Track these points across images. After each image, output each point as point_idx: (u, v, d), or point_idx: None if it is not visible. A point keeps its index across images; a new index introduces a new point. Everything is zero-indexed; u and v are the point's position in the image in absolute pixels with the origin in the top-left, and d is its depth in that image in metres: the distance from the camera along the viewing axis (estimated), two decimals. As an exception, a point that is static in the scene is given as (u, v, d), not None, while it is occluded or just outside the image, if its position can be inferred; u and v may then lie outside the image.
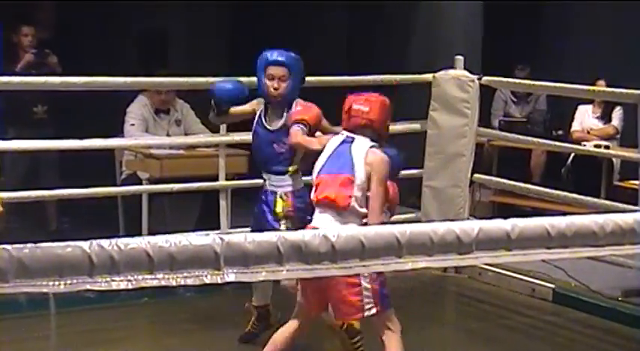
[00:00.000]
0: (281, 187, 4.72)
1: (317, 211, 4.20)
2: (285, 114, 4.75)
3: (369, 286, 4.09)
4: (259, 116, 4.84)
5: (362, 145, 4.20)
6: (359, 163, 4.14)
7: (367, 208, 4.14)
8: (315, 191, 4.21)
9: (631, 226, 2.30)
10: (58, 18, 7.66)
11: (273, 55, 4.79)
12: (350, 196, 4.10)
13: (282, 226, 4.66)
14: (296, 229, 2.88)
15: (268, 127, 4.80)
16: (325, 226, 4.01)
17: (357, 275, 3.98)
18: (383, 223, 4.11)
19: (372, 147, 4.21)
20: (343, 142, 4.25)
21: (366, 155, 4.16)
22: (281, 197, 4.70)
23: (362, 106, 4.26)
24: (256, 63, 4.81)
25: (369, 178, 4.14)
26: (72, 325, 5.15)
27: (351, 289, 4.06)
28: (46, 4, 7.60)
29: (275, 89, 4.70)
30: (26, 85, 5.80)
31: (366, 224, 4.09)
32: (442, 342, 5.46)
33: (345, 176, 4.13)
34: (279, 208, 4.69)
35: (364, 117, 4.25)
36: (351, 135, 4.25)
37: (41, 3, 7.58)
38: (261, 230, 4.25)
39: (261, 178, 4.92)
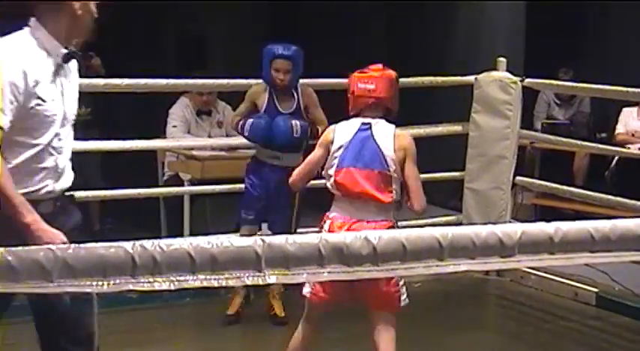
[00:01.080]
0: (297, 164, 4.71)
1: (347, 201, 4.04)
2: (295, 98, 5.35)
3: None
4: (268, 102, 5.35)
5: (384, 130, 4.02)
6: (390, 155, 3.98)
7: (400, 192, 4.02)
8: (344, 182, 4.03)
9: (676, 230, 2.27)
10: (101, 21, 7.72)
11: (279, 49, 5.29)
12: (391, 192, 3.98)
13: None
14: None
15: (281, 110, 5.33)
16: (367, 219, 3.97)
17: None
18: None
19: (395, 129, 4.05)
20: (360, 129, 4.04)
21: (394, 142, 3.99)
22: None
23: (367, 84, 4.06)
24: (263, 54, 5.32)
25: (402, 162, 3.99)
26: (114, 325, 5.18)
27: (390, 280, 3.98)
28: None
29: (281, 80, 5.25)
30: (70, 87, 5.85)
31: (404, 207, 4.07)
32: (484, 346, 5.43)
33: (379, 171, 3.97)
34: None
35: (372, 95, 4.05)
36: (365, 120, 4.06)
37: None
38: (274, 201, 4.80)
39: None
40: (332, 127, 4.18)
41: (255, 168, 5.45)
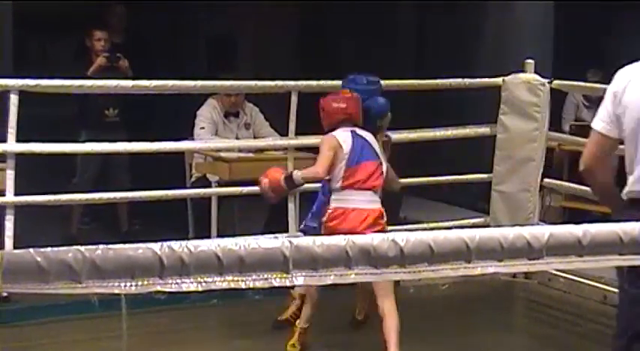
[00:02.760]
0: None
1: (351, 192, 4.84)
2: None
3: None
4: None
5: (368, 136, 4.94)
6: (378, 152, 4.93)
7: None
8: (361, 175, 4.83)
9: None
10: (129, 22, 7.78)
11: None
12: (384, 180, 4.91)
13: None
14: None
15: None
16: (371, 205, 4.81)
17: None
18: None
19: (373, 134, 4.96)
20: (354, 136, 4.91)
21: (376, 142, 4.94)
22: None
23: (340, 104, 4.98)
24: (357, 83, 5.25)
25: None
26: (142, 326, 5.21)
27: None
28: (118, 9, 7.72)
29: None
30: (98, 89, 5.90)
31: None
32: (512, 348, 5.40)
33: (378, 163, 4.91)
34: None
35: (345, 112, 4.95)
36: (351, 129, 4.93)
37: (114, 8, 7.69)
38: None
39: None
40: (331, 134, 4.95)
41: None
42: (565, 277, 6.15)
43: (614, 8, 9.63)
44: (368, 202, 4.83)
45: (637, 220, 2.35)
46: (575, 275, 6.14)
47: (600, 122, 3.63)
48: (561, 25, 8.35)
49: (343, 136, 4.91)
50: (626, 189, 3.61)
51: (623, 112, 3.53)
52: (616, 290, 5.99)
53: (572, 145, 7.26)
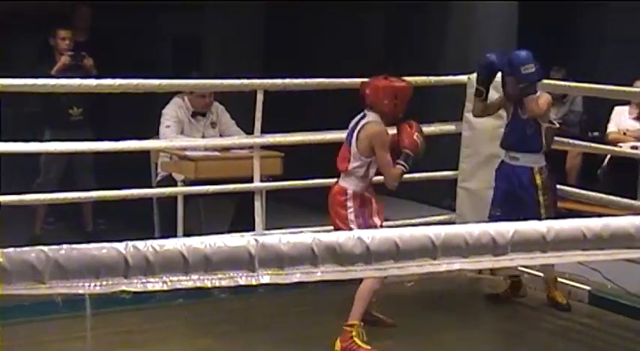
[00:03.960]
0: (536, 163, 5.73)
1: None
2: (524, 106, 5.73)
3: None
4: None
5: (366, 120, 5.13)
6: (354, 136, 5.12)
7: (368, 170, 5.12)
8: (339, 158, 5.21)
9: (668, 228, 2.28)
10: (94, 21, 7.73)
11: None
12: (347, 160, 5.11)
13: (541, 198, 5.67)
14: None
15: (522, 116, 5.77)
16: (339, 181, 5.19)
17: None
18: (403, 173, 5.15)
19: (371, 122, 5.09)
20: (360, 117, 5.18)
21: (362, 130, 5.09)
22: (538, 172, 5.69)
23: (365, 89, 5.19)
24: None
25: (369, 146, 5.06)
26: (107, 327, 5.18)
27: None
28: (82, 8, 7.67)
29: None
30: (62, 88, 5.85)
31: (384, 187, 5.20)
32: (478, 344, 5.43)
33: (347, 147, 5.15)
34: (538, 181, 5.67)
35: (368, 99, 5.16)
36: (367, 111, 5.16)
37: (78, 6, 7.64)
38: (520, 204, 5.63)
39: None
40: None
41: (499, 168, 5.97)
42: (530, 273, 6.19)
43: (576, 7, 9.73)
44: (340, 178, 5.21)
45: None
46: (540, 271, 6.19)
47: None
48: (525, 23, 8.40)
49: (355, 118, 5.22)
50: None
51: None
52: (579, 285, 6.09)
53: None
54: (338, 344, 4.98)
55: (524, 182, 5.68)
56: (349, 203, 5.11)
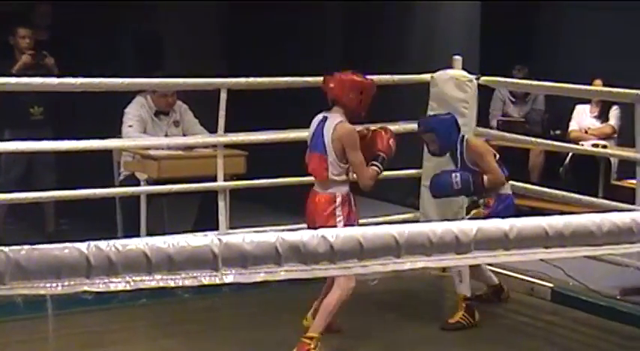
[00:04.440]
0: None
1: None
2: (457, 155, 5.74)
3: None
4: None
5: (331, 123, 5.00)
6: (328, 143, 4.98)
7: (348, 174, 5.03)
8: (308, 165, 5.12)
9: (628, 226, 2.30)
10: (54, 20, 7.65)
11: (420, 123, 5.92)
12: (326, 169, 4.99)
13: None
14: None
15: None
16: (318, 189, 5.08)
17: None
18: (377, 174, 5.07)
19: (339, 122, 4.98)
20: (319, 122, 5.07)
21: (333, 132, 4.97)
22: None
23: (330, 83, 5.06)
24: None
25: (343, 150, 4.96)
26: (69, 327, 5.14)
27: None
28: (42, 6, 7.59)
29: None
30: (23, 87, 5.79)
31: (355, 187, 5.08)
32: (441, 342, 5.45)
33: (321, 155, 5.00)
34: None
35: (332, 93, 5.05)
36: (326, 114, 5.06)
37: (38, 5, 7.56)
38: None
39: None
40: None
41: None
42: (493, 271, 6.23)
43: (538, 7, 9.80)
44: (319, 186, 5.09)
45: None
46: (503, 269, 6.23)
47: None
48: (487, 22, 8.46)
49: (314, 121, 5.11)
50: None
51: None
52: (542, 282, 6.13)
53: (499, 140, 7.37)
54: None
55: None
56: (338, 212, 4.99)
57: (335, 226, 4.89)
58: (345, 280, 4.87)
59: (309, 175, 6.11)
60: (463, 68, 6.63)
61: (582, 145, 7.77)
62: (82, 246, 1.81)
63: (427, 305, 6.09)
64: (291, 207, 7.43)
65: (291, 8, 8.25)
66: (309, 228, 4.96)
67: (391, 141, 5.19)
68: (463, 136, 5.71)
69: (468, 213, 5.78)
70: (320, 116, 5.09)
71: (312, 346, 4.80)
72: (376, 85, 5.29)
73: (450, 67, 6.64)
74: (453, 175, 5.64)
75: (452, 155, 5.75)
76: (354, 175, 5.07)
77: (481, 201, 5.64)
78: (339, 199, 5.00)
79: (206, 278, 1.91)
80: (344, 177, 5.03)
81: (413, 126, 6.73)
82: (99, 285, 1.84)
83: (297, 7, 8.25)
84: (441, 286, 6.43)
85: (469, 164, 5.62)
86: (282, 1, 8.28)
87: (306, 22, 8.46)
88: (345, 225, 4.93)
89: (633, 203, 5.77)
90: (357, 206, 5.16)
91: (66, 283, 1.81)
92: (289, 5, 8.25)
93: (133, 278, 1.86)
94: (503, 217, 5.46)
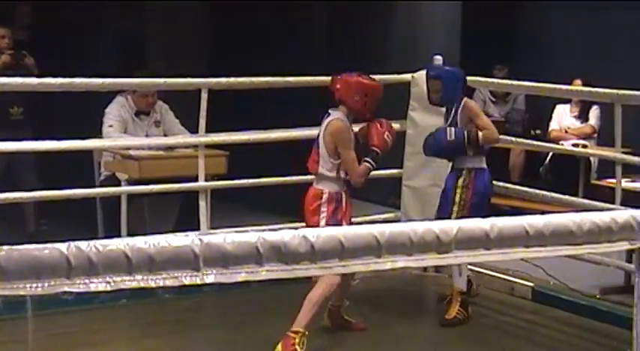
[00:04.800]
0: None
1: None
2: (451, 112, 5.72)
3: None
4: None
5: (328, 119, 5.08)
6: (321, 137, 5.05)
7: (339, 171, 5.04)
8: (310, 161, 5.14)
9: (608, 225, 2.32)
10: (34, 19, 7.61)
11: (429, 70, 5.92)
12: (316, 162, 5.06)
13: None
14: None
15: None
16: (314, 183, 5.11)
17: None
18: (369, 170, 5.10)
19: (335, 119, 5.04)
20: (324, 117, 5.13)
21: (326, 128, 5.04)
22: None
23: (336, 84, 5.14)
24: None
25: (335, 146, 5.01)
26: (49, 329, 5.11)
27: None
28: (22, 6, 7.55)
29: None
30: (2, 87, 5.76)
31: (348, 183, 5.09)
32: (422, 341, 5.47)
33: (316, 149, 5.08)
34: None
35: (337, 94, 5.13)
36: (331, 111, 5.12)
37: (18, 4, 7.52)
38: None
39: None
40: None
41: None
42: (474, 270, 6.25)
43: (519, 7, 9.84)
44: (315, 181, 5.12)
45: None
46: (483, 268, 6.25)
47: None
48: (468, 22, 8.48)
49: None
50: None
51: None
52: (523, 282, 6.16)
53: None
54: (279, 349, 4.83)
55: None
56: (323, 208, 5.00)
57: (317, 222, 4.94)
58: (329, 276, 4.82)
59: (291, 175, 6.16)
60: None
61: (562, 144, 7.81)
62: (63, 246, 1.81)
63: (408, 305, 6.10)
64: (273, 207, 7.44)
65: (274, 8, 8.24)
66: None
67: (386, 134, 5.19)
68: (463, 97, 5.72)
69: (453, 200, 5.70)
70: (327, 113, 5.15)
71: (297, 340, 4.79)
72: (382, 88, 5.31)
73: (431, 66, 6.65)
74: (447, 129, 5.63)
75: (447, 111, 5.74)
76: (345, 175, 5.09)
77: (460, 181, 5.62)
78: (325, 196, 5.02)
79: (187, 278, 1.91)
80: (334, 174, 5.02)
81: (394, 126, 6.73)
82: (79, 285, 1.83)
83: (281, 7, 8.24)
84: (421, 286, 6.44)
85: (459, 123, 5.62)
86: (266, 1, 8.27)
87: (290, 23, 8.46)
88: (328, 223, 4.93)
89: (613, 203, 5.80)
90: (349, 206, 5.13)
91: (46, 284, 1.80)
92: (273, 5, 8.25)
93: (114, 278, 1.86)
94: (486, 194, 5.61)
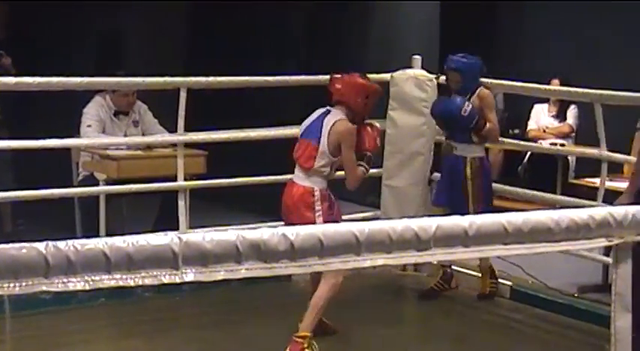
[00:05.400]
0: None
1: (296, 167, 5.06)
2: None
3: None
4: None
5: (333, 117, 5.00)
6: (325, 134, 4.95)
7: (332, 169, 5.01)
8: (295, 150, 5.06)
9: (585, 222, 2.33)
10: (12, 19, 7.57)
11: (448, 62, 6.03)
12: (313, 158, 4.95)
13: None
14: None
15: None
16: (297, 180, 5.01)
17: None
18: (364, 173, 5.11)
19: (341, 119, 4.98)
20: (321, 113, 5.06)
21: (333, 126, 4.96)
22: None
23: (338, 83, 5.11)
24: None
25: (338, 145, 4.95)
26: (27, 329, 5.09)
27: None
28: (0, 5, 7.50)
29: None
30: (-20, 86, 5.72)
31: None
32: (402, 340, 5.48)
33: (312, 144, 4.97)
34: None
35: (338, 94, 5.09)
36: (330, 108, 5.07)
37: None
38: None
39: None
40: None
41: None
42: (453, 269, 6.27)
43: (497, 7, 9.87)
44: (298, 177, 5.02)
45: None
46: (463, 267, 6.27)
47: None
48: (446, 22, 8.51)
49: (316, 112, 5.12)
50: None
51: None
52: (501, 281, 6.18)
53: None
54: None
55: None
56: (317, 206, 4.94)
57: (314, 219, 4.86)
58: (331, 276, 4.81)
59: (272, 174, 6.14)
60: (423, 68, 6.66)
61: (541, 143, 7.85)
62: (40, 246, 1.80)
63: (387, 303, 6.11)
64: (252, 206, 7.43)
65: (254, 9, 8.24)
66: (286, 222, 4.98)
67: (377, 139, 5.22)
68: (480, 85, 5.93)
69: (466, 193, 5.85)
70: (323, 109, 5.10)
71: (306, 345, 4.76)
72: (382, 90, 5.38)
73: (410, 66, 6.67)
74: (466, 103, 5.77)
75: (459, 95, 5.88)
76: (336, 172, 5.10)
77: (469, 171, 5.81)
78: (317, 194, 4.97)
79: (166, 277, 1.90)
80: (327, 171, 4.99)
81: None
82: (57, 285, 1.82)
83: (260, 7, 8.24)
84: (401, 284, 6.46)
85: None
86: (246, 1, 8.27)
87: (269, 23, 8.46)
88: (327, 220, 4.88)
89: (592, 201, 5.83)
90: (337, 204, 5.13)
91: (24, 283, 1.79)
92: (253, 6, 8.25)
93: (92, 278, 1.85)
94: (491, 182, 5.98)
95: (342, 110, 5.05)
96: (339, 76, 5.16)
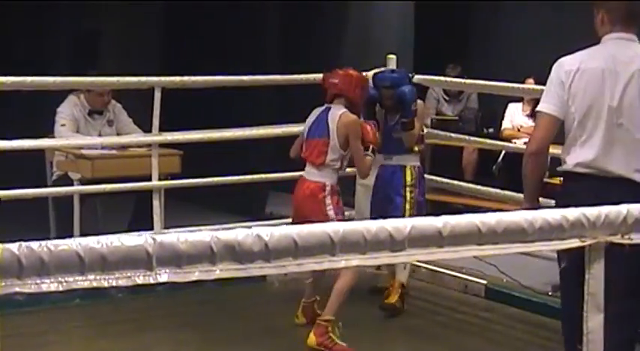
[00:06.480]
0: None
1: (306, 165, 5.20)
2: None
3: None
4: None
5: (336, 112, 5.15)
6: (333, 128, 5.11)
7: (342, 164, 5.17)
8: (304, 151, 5.21)
9: (559, 222, 2.34)
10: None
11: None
12: (325, 153, 5.11)
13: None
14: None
15: (390, 123, 5.83)
16: (308, 176, 5.16)
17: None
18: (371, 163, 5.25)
19: (345, 112, 5.14)
20: (322, 112, 5.21)
21: (339, 120, 5.11)
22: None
23: (333, 79, 5.24)
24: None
25: (346, 138, 5.10)
26: (1, 330, 5.05)
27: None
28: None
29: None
30: (-48, 85, 5.67)
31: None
32: (377, 339, 5.49)
33: (322, 140, 5.12)
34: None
35: (336, 88, 5.22)
36: (329, 106, 5.21)
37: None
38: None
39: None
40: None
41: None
42: (427, 268, 6.29)
43: (472, 7, 9.91)
44: (309, 173, 5.16)
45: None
46: (437, 266, 6.29)
47: (552, 106, 4.01)
48: (420, 22, 8.53)
49: (314, 112, 5.26)
50: (568, 166, 4.04)
51: (573, 98, 3.91)
52: (476, 280, 6.21)
53: (433, 138, 7.44)
54: (312, 338, 5.00)
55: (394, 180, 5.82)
56: (328, 200, 5.11)
57: (326, 215, 5.04)
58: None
59: (248, 173, 6.14)
60: (397, 66, 6.67)
61: (515, 142, 7.88)
62: (14, 246, 1.79)
63: (362, 302, 6.11)
64: (227, 206, 7.42)
65: (229, 7, 8.23)
66: (294, 219, 5.14)
67: (377, 133, 5.37)
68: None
69: (404, 198, 5.83)
70: (322, 107, 5.25)
71: (329, 328, 4.99)
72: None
73: (384, 65, 6.68)
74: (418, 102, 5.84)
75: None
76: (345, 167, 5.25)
77: (409, 179, 5.78)
78: (328, 189, 5.13)
79: (140, 278, 1.90)
80: (338, 165, 5.16)
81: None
82: (31, 286, 1.81)
83: (234, 7, 8.23)
84: (375, 284, 6.46)
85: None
86: (221, 1, 8.26)
87: (243, 22, 8.45)
88: (337, 214, 5.10)
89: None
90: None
91: (-3, 285, 1.78)
92: (228, 4, 8.24)
93: (66, 279, 1.84)
94: (424, 194, 5.91)
95: (342, 104, 5.21)
96: (332, 72, 5.31)
